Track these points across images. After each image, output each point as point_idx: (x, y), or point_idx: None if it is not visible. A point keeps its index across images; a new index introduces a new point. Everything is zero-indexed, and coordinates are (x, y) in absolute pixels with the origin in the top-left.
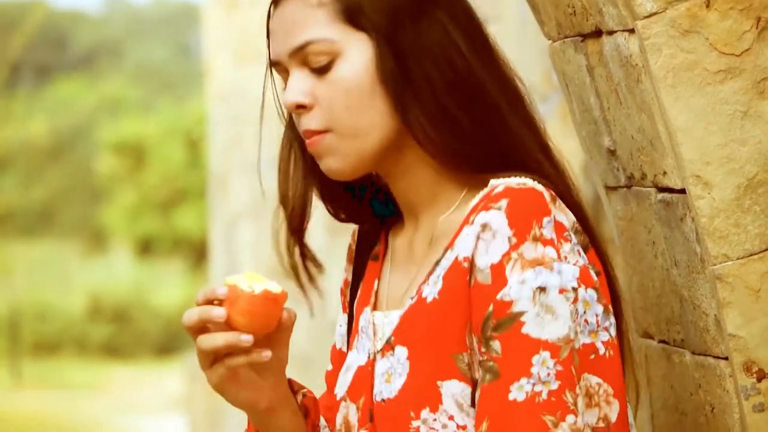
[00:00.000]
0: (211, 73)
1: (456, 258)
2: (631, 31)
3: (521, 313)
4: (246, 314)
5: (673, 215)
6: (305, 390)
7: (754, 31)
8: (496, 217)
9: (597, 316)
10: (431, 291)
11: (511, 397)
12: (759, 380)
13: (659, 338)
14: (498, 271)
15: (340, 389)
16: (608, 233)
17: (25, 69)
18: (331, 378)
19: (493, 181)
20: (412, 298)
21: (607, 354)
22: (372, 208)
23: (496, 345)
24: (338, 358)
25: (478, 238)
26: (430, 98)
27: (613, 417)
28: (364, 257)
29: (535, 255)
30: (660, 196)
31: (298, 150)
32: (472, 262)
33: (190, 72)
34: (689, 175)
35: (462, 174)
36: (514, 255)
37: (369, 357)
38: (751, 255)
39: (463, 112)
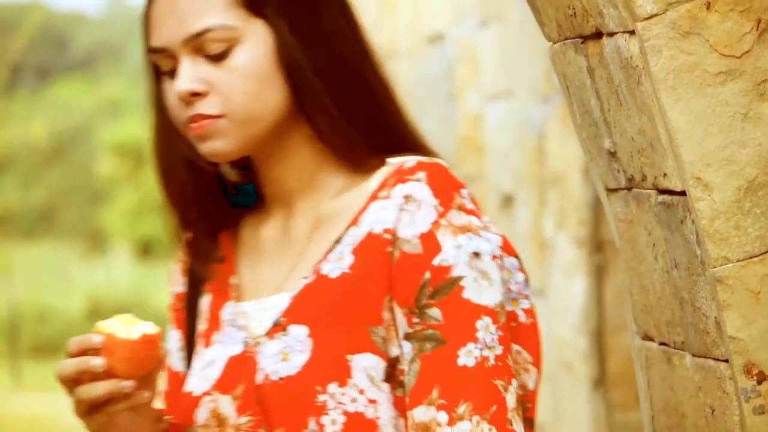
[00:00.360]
0: None
1: (369, 232)
2: (632, 32)
3: (460, 278)
4: (126, 361)
5: (673, 217)
6: (168, 417)
7: (755, 32)
8: (419, 188)
9: (518, 284)
10: (336, 267)
11: (460, 362)
12: (759, 382)
13: (659, 340)
14: (429, 238)
15: (202, 385)
16: (608, 235)
17: (24, 70)
18: (171, 397)
19: (392, 160)
20: (305, 278)
21: (528, 321)
22: (227, 200)
23: (435, 312)
24: (174, 377)
25: (400, 210)
26: (329, 85)
27: (531, 384)
28: (202, 265)
29: (462, 222)
30: (660, 198)
31: (174, 138)
32: (395, 234)
33: None
34: (689, 177)
35: (352, 159)
36: (443, 222)
37: (246, 345)
38: (751, 257)
39: (356, 99)
